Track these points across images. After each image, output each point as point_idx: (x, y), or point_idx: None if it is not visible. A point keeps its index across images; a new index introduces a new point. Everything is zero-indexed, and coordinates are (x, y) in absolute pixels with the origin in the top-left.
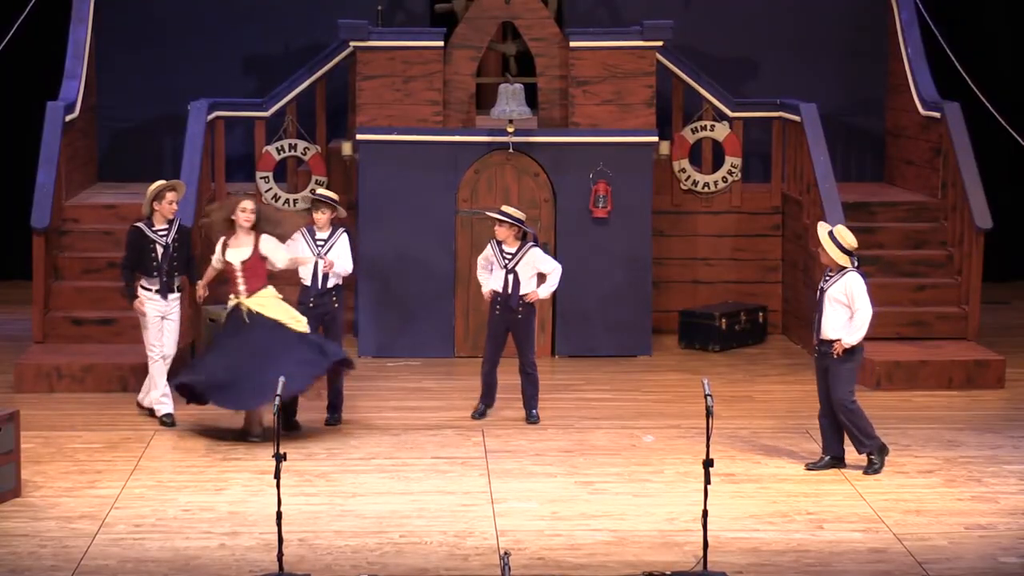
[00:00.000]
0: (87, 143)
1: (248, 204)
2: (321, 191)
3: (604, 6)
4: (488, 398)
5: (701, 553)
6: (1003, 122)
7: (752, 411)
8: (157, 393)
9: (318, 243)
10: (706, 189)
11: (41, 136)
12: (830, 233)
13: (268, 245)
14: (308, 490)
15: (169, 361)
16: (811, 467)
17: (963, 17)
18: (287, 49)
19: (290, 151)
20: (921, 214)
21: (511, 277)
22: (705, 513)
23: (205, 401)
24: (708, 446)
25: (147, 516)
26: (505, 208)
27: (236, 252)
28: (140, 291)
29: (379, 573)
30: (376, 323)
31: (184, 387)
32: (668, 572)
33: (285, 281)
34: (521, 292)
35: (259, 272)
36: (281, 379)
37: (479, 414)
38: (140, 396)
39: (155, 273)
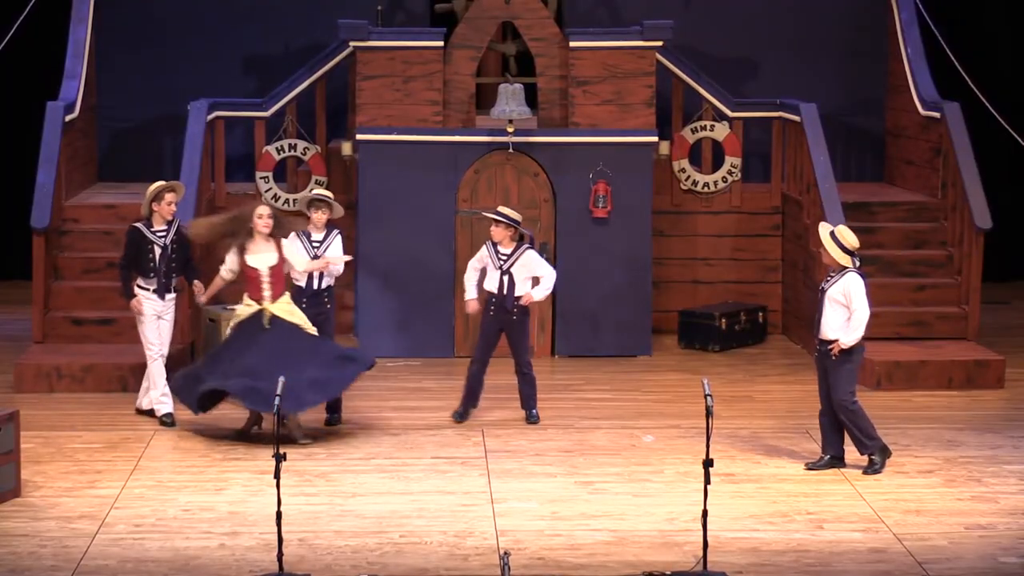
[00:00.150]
0: (87, 143)
1: (265, 210)
2: (318, 191)
3: (604, 6)
4: (471, 400)
5: (701, 553)
6: (1003, 122)
7: (752, 411)
8: (156, 392)
9: (314, 244)
10: (706, 189)
11: (41, 136)
12: (832, 233)
13: (289, 250)
14: (308, 490)
15: (163, 361)
16: (811, 467)
17: (963, 17)
18: (287, 49)
19: (290, 151)
20: (921, 214)
21: (506, 278)
22: (705, 513)
23: (218, 401)
24: (708, 446)
25: (147, 516)
26: (502, 209)
27: (261, 258)
28: (137, 290)
29: (379, 573)
30: (376, 323)
31: (206, 396)
32: (668, 572)
33: None
34: (516, 294)
35: (282, 278)
36: (281, 380)
37: (460, 416)
38: (138, 402)
39: (152, 274)
